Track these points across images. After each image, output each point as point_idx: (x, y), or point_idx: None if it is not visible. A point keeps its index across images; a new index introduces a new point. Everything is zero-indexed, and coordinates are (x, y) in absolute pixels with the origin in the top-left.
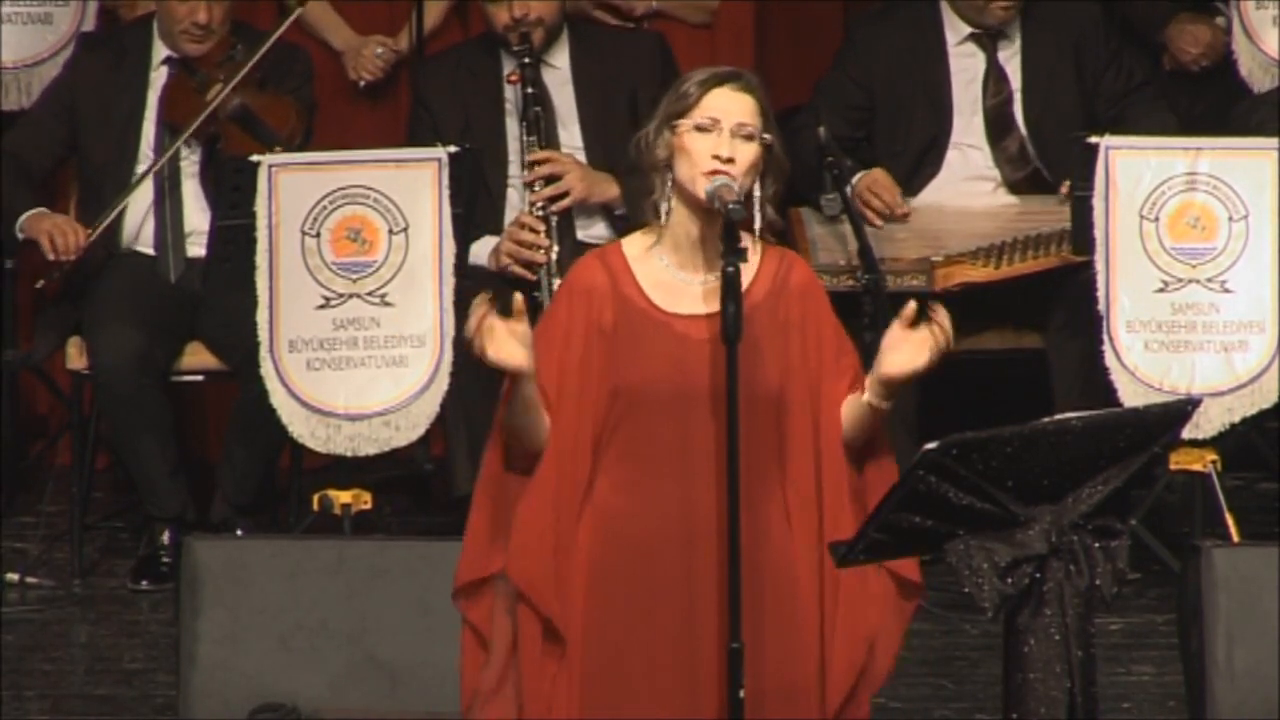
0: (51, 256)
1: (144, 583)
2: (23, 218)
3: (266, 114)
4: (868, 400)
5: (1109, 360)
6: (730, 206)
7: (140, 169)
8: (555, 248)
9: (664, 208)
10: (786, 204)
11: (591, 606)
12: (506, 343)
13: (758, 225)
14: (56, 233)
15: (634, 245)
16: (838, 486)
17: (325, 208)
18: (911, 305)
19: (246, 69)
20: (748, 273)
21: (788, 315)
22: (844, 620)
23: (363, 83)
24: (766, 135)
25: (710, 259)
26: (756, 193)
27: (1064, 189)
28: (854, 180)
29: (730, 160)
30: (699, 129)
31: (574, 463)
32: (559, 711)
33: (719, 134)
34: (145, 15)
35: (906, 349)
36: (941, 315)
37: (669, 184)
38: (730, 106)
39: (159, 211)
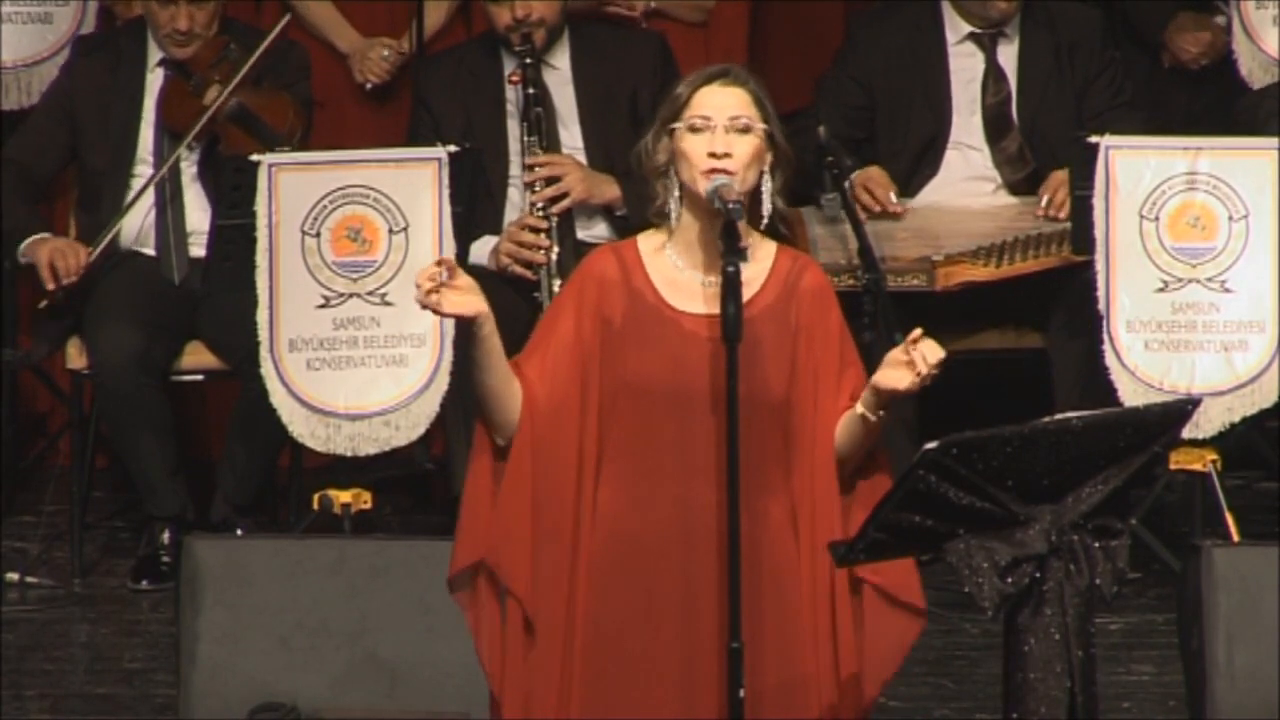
0: (51, 285)
1: (144, 583)
2: (24, 243)
3: (264, 112)
4: (859, 411)
5: (1109, 360)
6: (730, 206)
7: (138, 171)
8: (556, 248)
9: (671, 213)
10: (787, 204)
11: (592, 603)
12: (457, 295)
13: (766, 212)
14: (57, 257)
15: (648, 241)
16: (829, 494)
17: (325, 207)
18: (917, 332)
19: (241, 74)
20: (759, 274)
21: (796, 319)
22: (843, 628)
23: (369, 85)
24: (764, 125)
25: (718, 259)
26: (765, 185)
27: (1039, 212)
28: (851, 176)
29: (726, 155)
30: (692, 129)
31: (564, 452)
32: (562, 710)
33: (712, 131)
34: (141, 16)
35: (904, 367)
36: (926, 348)
37: (674, 188)
38: (720, 102)
39: (160, 214)
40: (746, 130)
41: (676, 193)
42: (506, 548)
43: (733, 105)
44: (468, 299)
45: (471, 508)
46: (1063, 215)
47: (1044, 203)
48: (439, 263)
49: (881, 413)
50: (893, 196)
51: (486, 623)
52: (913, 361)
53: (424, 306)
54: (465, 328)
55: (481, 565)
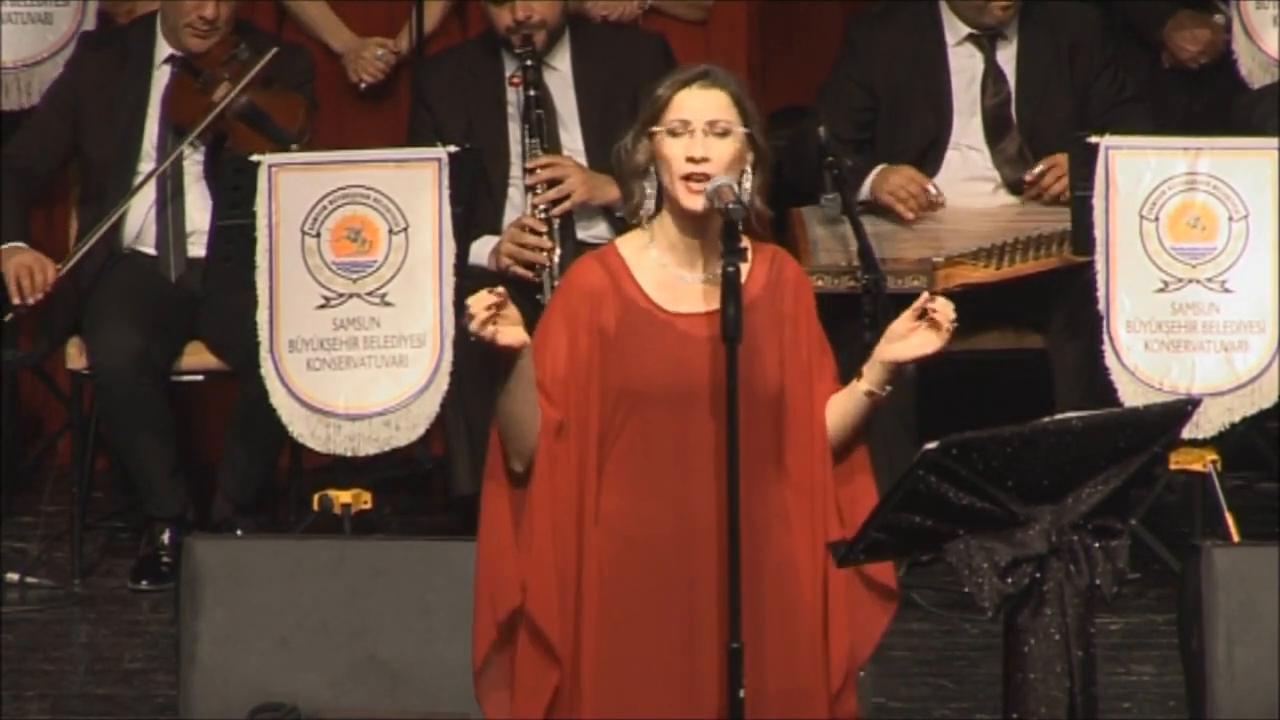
0: (16, 300)
1: (144, 583)
2: None
3: (275, 111)
4: (865, 389)
5: (1109, 360)
6: (730, 206)
7: (142, 168)
8: (557, 249)
9: (646, 213)
10: (787, 204)
11: (599, 607)
12: (509, 326)
13: (751, 209)
14: (23, 274)
15: (629, 245)
16: (826, 481)
17: (325, 208)
18: (925, 296)
19: (253, 73)
20: (744, 270)
21: (782, 310)
22: (836, 621)
23: (363, 85)
24: (744, 128)
25: (706, 258)
26: (746, 184)
27: (1029, 177)
28: (875, 173)
29: (704, 159)
30: (671, 133)
31: (570, 468)
32: (569, 711)
33: (690, 135)
34: (147, 14)
35: (915, 337)
36: (943, 305)
37: (652, 190)
38: (699, 105)
39: (161, 211)
40: (725, 134)
41: (655, 193)
42: (537, 590)
43: (712, 108)
44: (517, 330)
45: (496, 556)
46: (1047, 196)
47: (1037, 171)
48: (493, 291)
49: (889, 387)
50: (931, 188)
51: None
52: (934, 322)
53: (476, 337)
54: (507, 359)
55: (513, 617)
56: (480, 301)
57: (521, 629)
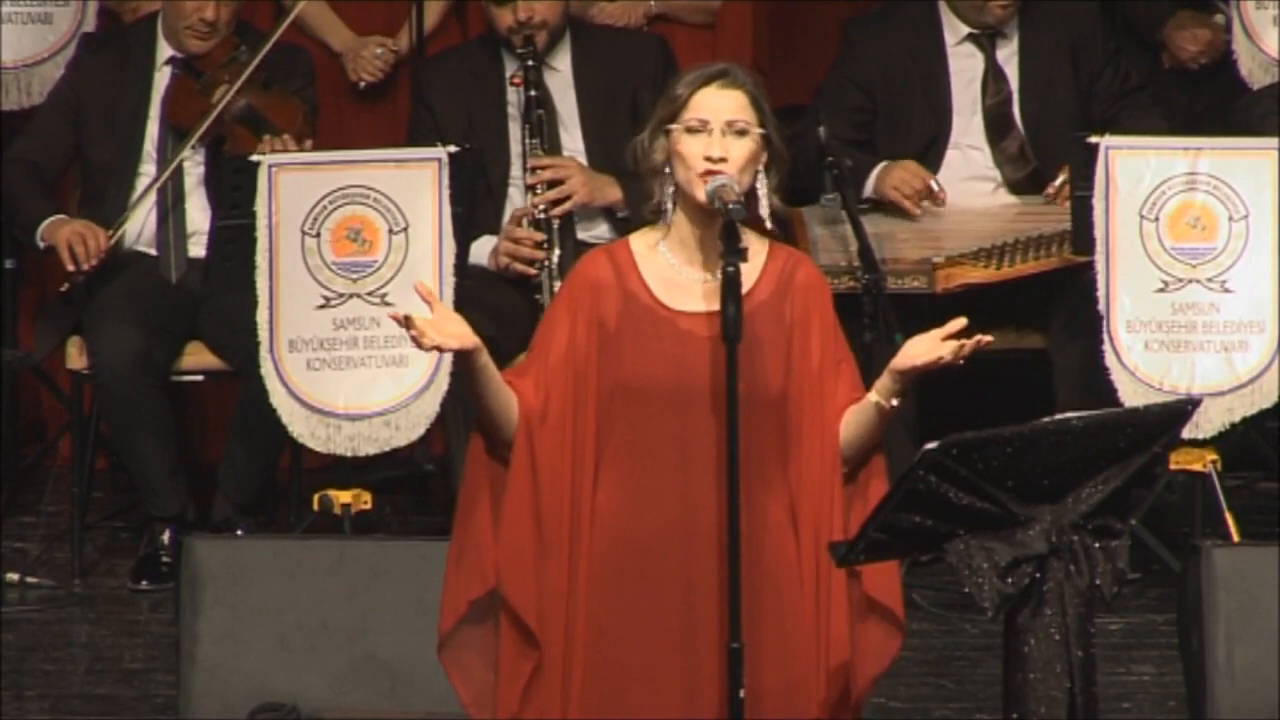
0: (71, 267)
1: (144, 583)
2: (42, 225)
3: (273, 114)
4: (875, 400)
5: (1109, 360)
6: (730, 206)
7: (143, 169)
8: (557, 250)
9: (667, 210)
10: (787, 203)
11: (593, 604)
12: (445, 329)
13: (765, 215)
14: (76, 241)
15: (641, 241)
16: (833, 489)
17: (325, 207)
18: (962, 321)
19: (249, 70)
20: (752, 271)
21: (791, 315)
22: (837, 621)
23: (362, 84)
24: (761, 128)
25: (713, 257)
26: (760, 185)
27: (1050, 190)
28: (878, 169)
29: (723, 159)
30: (689, 131)
31: (561, 459)
32: (560, 711)
33: (709, 134)
34: (149, 15)
35: (928, 345)
36: (957, 347)
37: (669, 187)
38: (719, 104)
39: (162, 212)
40: (743, 133)
41: (671, 191)
42: (514, 575)
43: (730, 108)
44: (460, 330)
45: (475, 538)
46: (1062, 201)
47: (1059, 182)
48: (419, 296)
49: (895, 401)
50: (933, 184)
51: (481, 669)
52: (958, 345)
53: (420, 347)
54: (462, 362)
55: (488, 597)
56: (403, 322)
57: (501, 614)
